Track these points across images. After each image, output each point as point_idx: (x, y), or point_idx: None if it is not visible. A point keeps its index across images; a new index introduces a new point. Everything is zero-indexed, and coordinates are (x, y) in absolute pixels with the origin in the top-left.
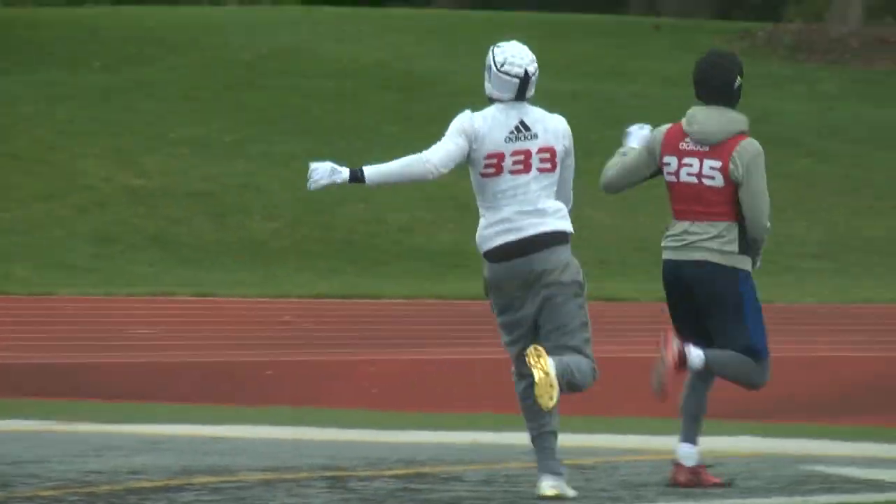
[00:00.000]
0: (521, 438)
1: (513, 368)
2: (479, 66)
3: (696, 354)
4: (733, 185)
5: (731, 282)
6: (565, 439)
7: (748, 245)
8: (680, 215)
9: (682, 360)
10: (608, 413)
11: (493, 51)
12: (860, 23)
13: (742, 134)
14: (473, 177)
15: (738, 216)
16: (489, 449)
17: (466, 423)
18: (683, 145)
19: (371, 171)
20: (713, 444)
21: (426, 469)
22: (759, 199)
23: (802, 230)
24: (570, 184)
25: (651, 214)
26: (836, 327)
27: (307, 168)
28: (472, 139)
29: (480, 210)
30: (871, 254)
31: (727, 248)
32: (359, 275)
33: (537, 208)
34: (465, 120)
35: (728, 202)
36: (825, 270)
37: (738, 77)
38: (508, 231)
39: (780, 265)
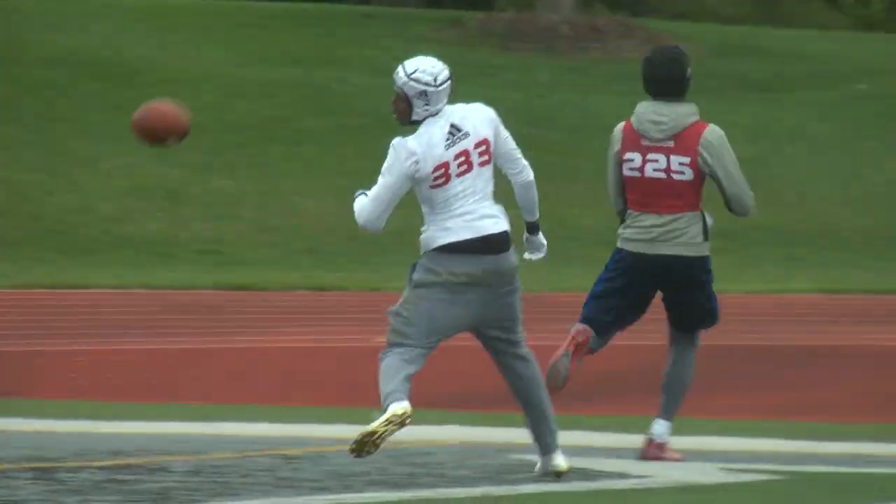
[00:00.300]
0: (228, 428)
1: (391, 354)
2: (188, 53)
3: (666, 432)
4: (702, 177)
5: (700, 270)
6: (272, 430)
7: (708, 230)
8: (644, 207)
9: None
10: (315, 402)
11: (412, 76)
12: (571, 11)
13: (698, 122)
14: (421, 191)
15: (701, 204)
16: (196, 439)
17: (173, 413)
18: (646, 142)
19: None
20: (420, 432)
21: (133, 460)
22: (736, 183)
23: (512, 219)
24: (519, 153)
25: None
26: (545, 316)
27: (14, 156)
28: (414, 169)
29: (429, 216)
30: (584, 242)
31: (695, 240)
32: (66, 264)
33: (493, 213)
34: (401, 156)
35: (697, 193)
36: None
37: (688, 68)
38: (472, 228)
39: None
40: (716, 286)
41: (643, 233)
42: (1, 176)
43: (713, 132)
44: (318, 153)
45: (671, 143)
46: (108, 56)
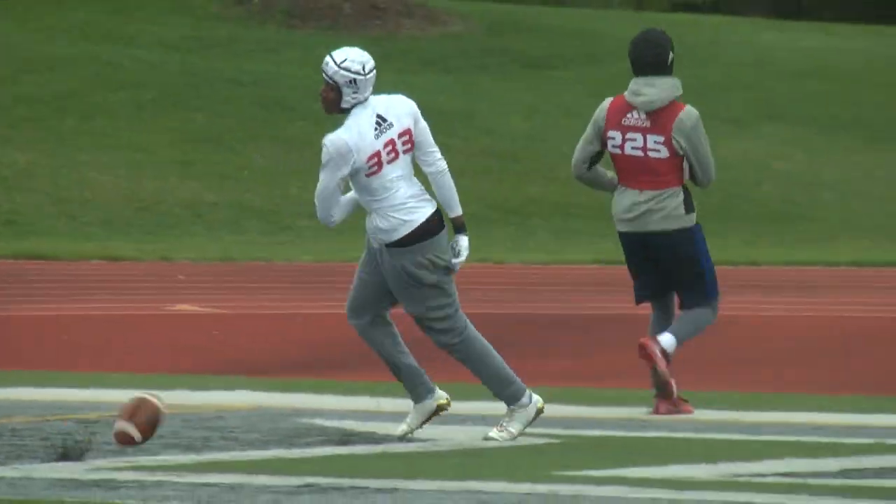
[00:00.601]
0: (27, 394)
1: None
2: None
3: (668, 343)
4: (677, 156)
5: (688, 240)
6: (70, 395)
7: (692, 202)
8: (629, 183)
9: (667, 355)
10: (112, 369)
11: (342, 65)
12: None
13: (677, 101)
14: (357, 181)
15: (682, 179)
16: None
17: None
18: (626, 121)
19: None
20: (212, 398)
21: None
22: (705, 164)
23: (297, 191)
24: (434, 145)
25: (153, 177)
26: (329, 285)
27: None
28: (353, 159)
29: (374, 204)
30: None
31: (676, 212)
32: None
33: (423, 191)
34: (340, 149)
35: (673, 170)
36: (320, 229)
37: (671, 52)
38: (424, 210)
39: (279, 224)
40: (495, 256)
41: (626, 212)
42: None
43: (688, 115)
44: (110, 127)
45: (648, 123)
46: None
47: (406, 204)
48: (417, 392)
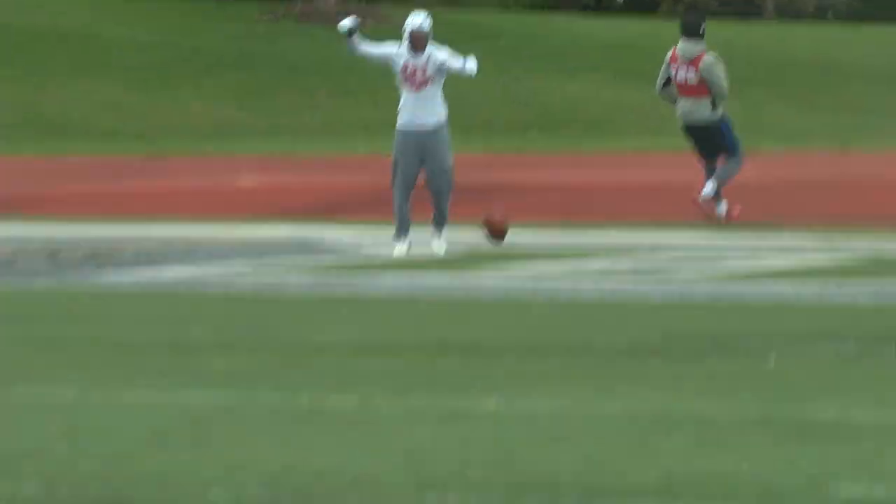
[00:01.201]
0: (154, 231)
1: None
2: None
3: (709, 189)
4: (703, 80)
5: (716, 125)
6: (180, 230)
7: (718, 104)
8: (681, 93)
9: (712, 198)
10: (213, 213)
11: (428, 19)
12: (335, 4)
13: (703, 52)
14: (443, 74)
15: (709, 93)
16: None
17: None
18: (679, 60)
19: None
20: (263, 230)
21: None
22: (715, 83)
23: (308, 118)
24: None
25: (221, 110)
26: (331, 166)
27: None
28: None
29: (441, 93)
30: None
31: (707, 112)
32: None
33: None
34: None
35: (702, 88)
36: (321, 141)
37: (703, 22)
38: None
39: (301, 132)
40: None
41: (680, 109)
42: None
43: (708, 57)
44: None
45: (688, 62)
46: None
47: None
48: (406, 231)
